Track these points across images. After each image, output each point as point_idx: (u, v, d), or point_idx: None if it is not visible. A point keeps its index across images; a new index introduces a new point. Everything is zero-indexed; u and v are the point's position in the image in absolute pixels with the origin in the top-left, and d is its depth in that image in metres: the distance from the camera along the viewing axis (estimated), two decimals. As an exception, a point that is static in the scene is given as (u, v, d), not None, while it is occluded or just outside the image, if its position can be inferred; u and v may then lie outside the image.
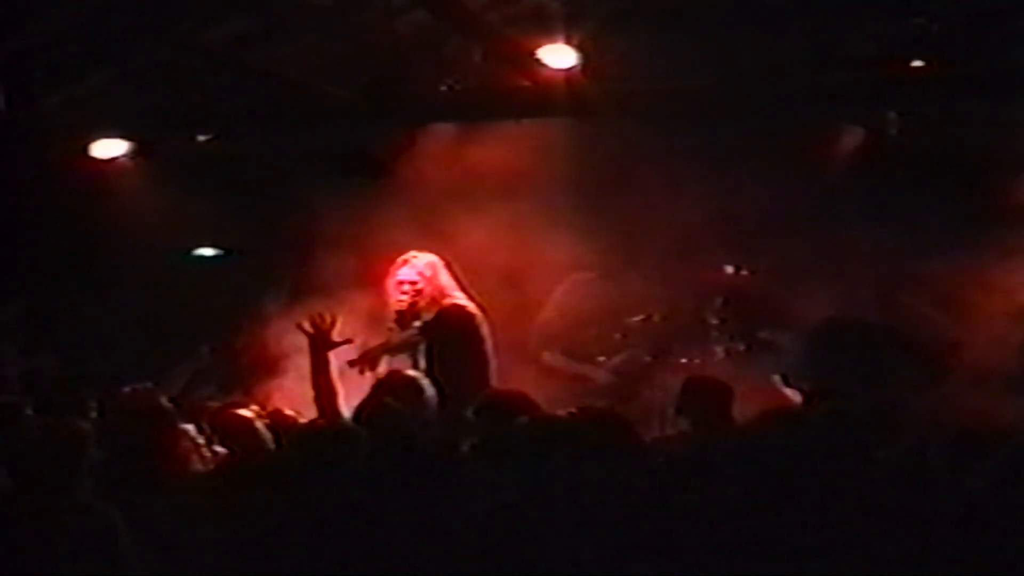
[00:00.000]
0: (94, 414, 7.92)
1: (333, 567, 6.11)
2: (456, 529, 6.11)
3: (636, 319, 11.36)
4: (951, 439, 6.29)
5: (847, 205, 11.02)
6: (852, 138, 11.23)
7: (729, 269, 11.41)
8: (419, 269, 9.51)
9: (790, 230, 11.12)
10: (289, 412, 8.24)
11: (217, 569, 6.20)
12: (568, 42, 10.20)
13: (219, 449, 7.47)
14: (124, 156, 11.44)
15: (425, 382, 7.90)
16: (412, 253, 9.60)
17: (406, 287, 9.51)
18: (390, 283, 9.59)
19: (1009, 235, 10.49)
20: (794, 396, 9.48)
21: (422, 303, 9.49)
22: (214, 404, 8.82)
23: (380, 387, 7.95)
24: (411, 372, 8.30)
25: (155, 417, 7.32)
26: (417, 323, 9.43)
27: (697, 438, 7.32)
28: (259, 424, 7.67)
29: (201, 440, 7.59)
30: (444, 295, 9.51)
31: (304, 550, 6.13)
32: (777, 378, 9.61)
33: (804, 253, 10.92)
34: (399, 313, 9.49)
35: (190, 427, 7.62)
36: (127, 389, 8.50)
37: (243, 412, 7.84)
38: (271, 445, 7.48)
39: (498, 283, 11.15)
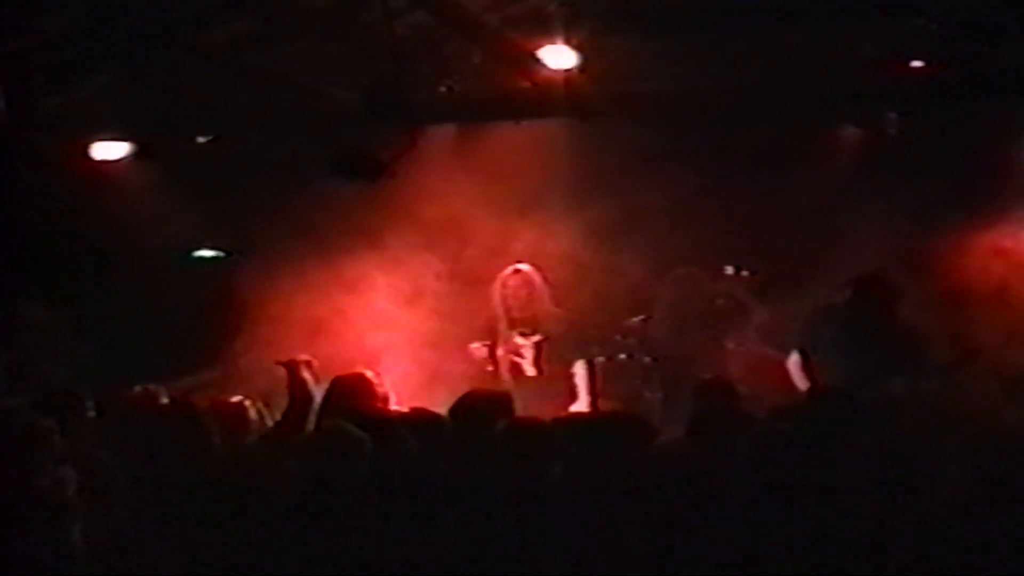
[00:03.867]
0: (92, 413, 7.92)
1: (332, 565, 6.11)
2: (458, 530, 6.11)
3: (636, 319, 11.37)
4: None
5: (847, 204, 11.02)
6: (852, 138, 11.24)
7: (729, 270, 11.40)
8: (529, 278, 10.40)
9: (790, 229, 11.13)
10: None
11: (214, 567, 6.20)
12: (567, 43, 10.21)
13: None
14: (124, 157, 11.45)
15: None
16: (522, 264, 10.47)
17: (523, 293, 10.36)
18: (502, 291, 10.38)
19: (1008, 232, 10.54)
20: (802, 381, 9.52)
21: (531, 311, 10.36)
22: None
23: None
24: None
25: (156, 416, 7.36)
26: (527, 328, 10.33)
27: (703, 439, 7.31)
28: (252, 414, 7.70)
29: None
30: (548, 303, 10.46)
31: (307, 555, 6.14)
32: (796, 358, 9.64)
33: (804, 252, 10.95)
34: (512, 320, 10.35)
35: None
36: (137, 388, 8.48)
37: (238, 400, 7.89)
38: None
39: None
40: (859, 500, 5.93)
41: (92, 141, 11.34)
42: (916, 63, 10.49)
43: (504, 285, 10.42)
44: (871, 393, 8.99)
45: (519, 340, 10.31)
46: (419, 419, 7.29)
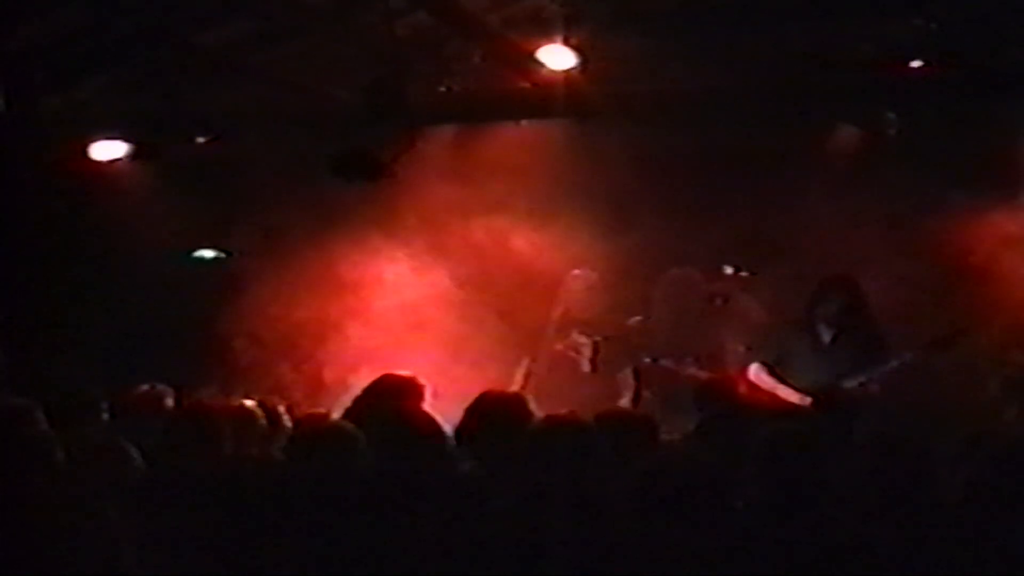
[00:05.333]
0: (106, 415, 7.93)
1: (332, 568, 6.11)
2: (459, 532, 6.11)
3: (635, 320, 11.36)
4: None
5: (847, 204, 11.02)
6: (852, 138, 11.24)
7: (729, 270, 11.39)
8: (591, 283, 11.07)
9: (790, 229, 11.13)
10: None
11: (217, 569, 6.19)
12: (567, 43, 10.20)
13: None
14: (124, 158, 11.44)
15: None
16: (579, 270, 11.05)
17: (584, 296, 11.02)
18: (565, 293, 10.98)
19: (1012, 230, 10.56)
20: (776, 387, 9.55)
21: (590, 313, 11.05)
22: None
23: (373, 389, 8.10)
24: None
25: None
26: (587, 328, 11.01)
27: (707, 439, 7.31)
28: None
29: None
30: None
31: (304, 551, 6.13)
32: (757, 368, 9.68)
33: (804, 252, 10.95)
34: (572, 319, 11.00)
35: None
36: (144, 388, 8.48)
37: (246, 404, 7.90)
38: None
39: (500, 283, 11.21)
40: (863, 502, 5.93)
41: (92, 141, 11.34)
42: (916, 63, 10.48)
43: (567, 288, 10.94)
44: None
45: (579, 338, 10.78)
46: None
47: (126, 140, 11.37)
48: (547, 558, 5.81)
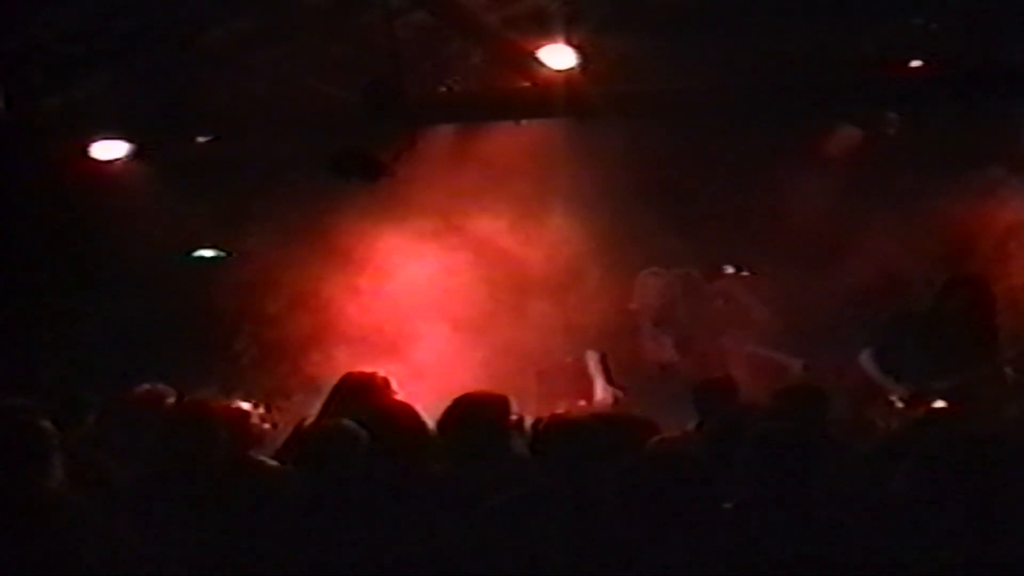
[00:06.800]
0: (92, 418, 7.92)
1: (333, 565, 6.12)
2: (457, 529, 6.11)
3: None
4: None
5: (846, 203, 11.03)
6: (852, 138, 11.25)
7: (729, 269, 11.40)
8: (670, 281, 10.94)
9: (790, 229, 11.13)
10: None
11: (217, 566, 6.20)
12: (568, 43, 10.22)
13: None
14: (124, 157, 11.45)
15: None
16: (656, 268, 10.95)
17: (667, 293, 10.90)
18: (642, 290, 10.87)
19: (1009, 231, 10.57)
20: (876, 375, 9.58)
21: (671, 311, 10.98)
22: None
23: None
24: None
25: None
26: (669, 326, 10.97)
27: (704, 437, 7.30)
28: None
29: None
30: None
31: (305, 548, 6.14)
32: (867, 355, 9.70)
33: (804, 251, 10.96)
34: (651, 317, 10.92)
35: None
36: (146, 387, 8.48)
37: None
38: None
39: (501, 283, 11.21)
40: (858, 501, 5.93)
41: (92, 141, 11.35)
42: (916, 63, 10.49)
43: (643, 285, 10.84)
44: (935, 392, 9.12)
45: (661, 336, 10.76)
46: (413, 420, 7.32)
47: (126, 140, 11.38)
48: (540, 555, 5.81)
